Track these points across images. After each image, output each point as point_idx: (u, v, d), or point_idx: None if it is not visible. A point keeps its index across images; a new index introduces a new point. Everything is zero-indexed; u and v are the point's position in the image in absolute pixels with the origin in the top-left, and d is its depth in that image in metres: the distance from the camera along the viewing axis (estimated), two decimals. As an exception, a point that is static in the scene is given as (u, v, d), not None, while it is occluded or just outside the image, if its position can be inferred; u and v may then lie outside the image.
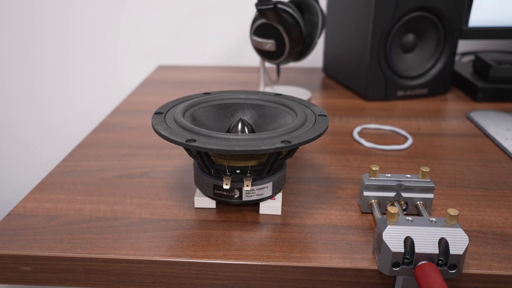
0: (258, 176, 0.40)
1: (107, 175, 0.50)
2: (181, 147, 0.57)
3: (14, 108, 1.09)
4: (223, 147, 0.35)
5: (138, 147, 0.58)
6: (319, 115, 0.42)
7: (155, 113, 0.42)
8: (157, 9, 0.99)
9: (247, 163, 0.40)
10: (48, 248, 0.38)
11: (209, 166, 0.39)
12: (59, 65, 1.05)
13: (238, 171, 0.40)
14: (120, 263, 0.37)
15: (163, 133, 0.38)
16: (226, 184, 0.39)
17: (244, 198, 0.41)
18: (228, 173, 0.40)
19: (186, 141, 0.36)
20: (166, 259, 0.37)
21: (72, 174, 0.51)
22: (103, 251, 0.38)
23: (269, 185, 0.41)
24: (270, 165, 0.39)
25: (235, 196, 0.41)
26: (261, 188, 0.41)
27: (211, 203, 0.43)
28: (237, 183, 0.40)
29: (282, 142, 0.36)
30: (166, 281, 0.38)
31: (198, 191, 0.44)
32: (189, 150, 0.40)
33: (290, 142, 0.36)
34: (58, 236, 0.40)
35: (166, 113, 0.42)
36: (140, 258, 0.37)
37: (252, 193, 0.41)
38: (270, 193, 0.42)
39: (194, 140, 0.36)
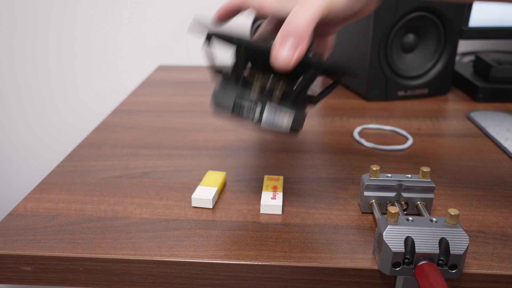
0: (285, 99, 0.38)
1: (107, 175, 0.50)
2: (180, 147, 0.57)
3: (15, 108, 1.10)
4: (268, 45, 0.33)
5: (139, 147, 0.58)
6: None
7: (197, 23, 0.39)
8: (158, 9, 0.99)
9: (278, 82, 0.38)
10: (49, 248, 0.38)
11: (241, 71, 0.37)
12: (60, 65, 1.05)
13: (267, 87, 0.38)
14: (121, 263, 0.37)
15: (221, 32, 0.35)
16: (254, 92, 0.37)
17: (264, 118, 0.38)
18: (257, 79, 0.38)
19: (241, 39, 0.33)
20: (166, 259, 0.37)
21: (73, 174, 0.51)
22: (104, 251, 0.38)
23: (292, 114, 0.39)
24: (302, 87, 0.37)
25: (256, 113, 0.38)
26: (283, 113, 0.38)
27: (208, 203, 0.44)
28: (261, 102, 0.38)
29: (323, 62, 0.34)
30: (167, 281, 0.38)
31: (196, 191, 0.44)
32: (216, 71, 0.39)
33: (332, 62, 0.34)
34: (59, 236, 0.40)
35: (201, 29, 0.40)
36: (140, 258, 0.37)
37: (274, 114, 0.38)
38: (289, 124, 0.39)
39: (246, 41, 0.34)
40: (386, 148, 0.57)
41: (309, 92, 0.41)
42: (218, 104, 0.40)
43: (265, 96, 0.38)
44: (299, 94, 0.38)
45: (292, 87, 0.39)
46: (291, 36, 0.33)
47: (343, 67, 0.35)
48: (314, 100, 0.40)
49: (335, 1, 0.35)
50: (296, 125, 0.40)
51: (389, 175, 0.42)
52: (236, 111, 0.39)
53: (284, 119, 0.39)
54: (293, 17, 0.34)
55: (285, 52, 0.33)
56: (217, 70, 0.40)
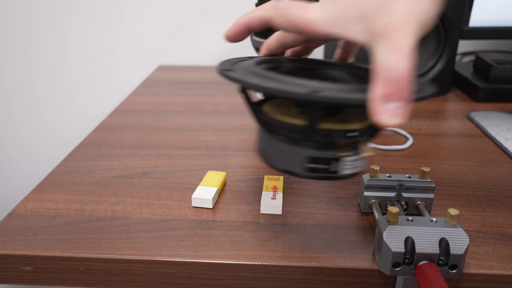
0: (370, 139, 0.32)
1: (107, 175, 0.50)
2: (180, 147, 0.57)
3: (15, 108, 1.10)
4: (359, 96, 0.26)
5: (139, 147, 0.58)
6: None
7: (224, 70, 0.31)
8: (158, 9, 0.99)
9: (363, 123, 0.31)
10: (49, 248, 0.38)
11: (317, 131, 0.30)
12: (60, 65, 1.05)
13: (350, 135, 0.31)
14: (121, 263, 0.37)
15: (274, 85, 0.27)
16: (343, 151, 0.30)
17: (343, 171, 0.31)
18: (338, 138, 0.30)
19: (311, 92, 0.26)
20: (166, 259, 0.37)
21: (73, 174, 0.51)
22: (104, 251, 0.38)
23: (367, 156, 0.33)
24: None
25: (332, 169, 0.31)
26: (359, 160, 0.32)
27: (208, 203, 0.44)
28: (333, 151, 0.31)
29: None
30: (167, 281, 0.38)
31: (196, 191, 0.44)
32: (259, 116, 0.31)
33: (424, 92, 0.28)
34: (59, 236, 0.40)
35: (235, 69, 0.32)
36: (140, 258, 0.37)
37: (351, 164, 0.32)
38: (364, 165, 0.33)
39: (320, 91, 0.26)
40: (386, 148, 0.57)
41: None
42: (278, 164, 0.32)
43: (350, 146, 0.31)
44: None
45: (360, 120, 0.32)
46: (395, 96, 0.26)
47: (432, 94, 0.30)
48: None
49: (425, 18, 0.28)
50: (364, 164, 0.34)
51: (389, 175, 0.42)
52: (311, 172, 0.31)
53: (361, 161, 0.32)
54: (391, 62, 0.26)
55: (390, 114, 0.26)
56: (263, 123, 0.33)
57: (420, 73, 0.76)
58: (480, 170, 0.52)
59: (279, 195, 0.44)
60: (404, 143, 0.59)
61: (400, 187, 0.41)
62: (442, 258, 0.34)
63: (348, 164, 0.31)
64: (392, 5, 0.27)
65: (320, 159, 0.31)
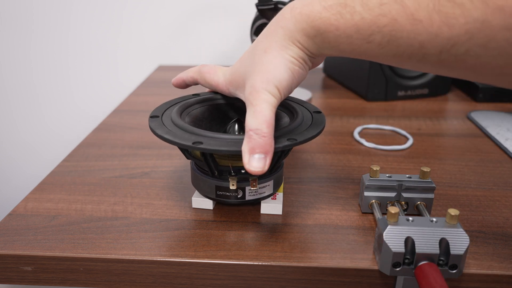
0: (262, 175, 0.41)
1: (107, 175, 0.50)
2: (181, 147, 0.57)
3: (15, 108, 1.10)
4: (233, 148, 0.34)
5: (139, 147, 0.58)
6: (314, 112, 0.42)
7: (151, 117, 0.41)
8: (158, 9, 0.99)
9: None
10: (49, 248, 0.38)
11: (213, 168, 0.39)
12: (60, 65, 1.05)
13: (243, 171, 0.40)
14: (121, 263, 0.37)
15: (167, 136, 0.37)
16: (233, 185, 0.39)
17: (247, 198, 0.41)
18: (233, 174, 0.40)
19: (193, 143, 0.35)
20: (166, 259, 0.37)
21: (73, 174, 0.51)
22: (104, 251, 0.38)
23: (270, 183, 0.42)
24: (274, 163, 0.39)
25: (238, 196, 0.41)
26: (263, 187, 0.41)
27: (208, 204, 0.44)
28: (240, 183, 0.40)
29: (287, 140, 0.36)
30: (167, 281, 0.38)
31: (196, 192, 0.44)
32: (187, 152, 0.40)
33: (296, 139, 0.36)
34: (59, 236, 0.40)
35: (162, 115, 0.42)
36: (141, 258, 0.37)
37: (255, 192, 0.41)
38: (271, 191, 0.42)
39: (201, 142, 0.35)
40: (386, 148, 0.57)
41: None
42: (199, 189, 0.43)
43: (241, 181, 0.40)
44: (274, 165, 0.40)
45: None
46: (257, 150, 0.33)
47: (306, 139, 0.36)
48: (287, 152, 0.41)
49: (280, 84, 0.34)
50: (278, 186, 0.43)
51: (389, 175, 0.42)
52: (219, 197, 0.42)
53: (265, 189, 0.42)
54: (252, 124, 0.33)
55: (255, 164, 0.33)
56: (188, 157, 0.41)
57: (420, 73, 0.76)
58: (480, 170, 0.52)
59: (279, 195, 0.44)
60: (404, 143, 0.59)
61: (400, 187, 0.41)
62: (442, 258, 0.34)
63: (252, 192, 0.41)
64: (253, 75, 0.35)
65: (222, 187, 0.41)
